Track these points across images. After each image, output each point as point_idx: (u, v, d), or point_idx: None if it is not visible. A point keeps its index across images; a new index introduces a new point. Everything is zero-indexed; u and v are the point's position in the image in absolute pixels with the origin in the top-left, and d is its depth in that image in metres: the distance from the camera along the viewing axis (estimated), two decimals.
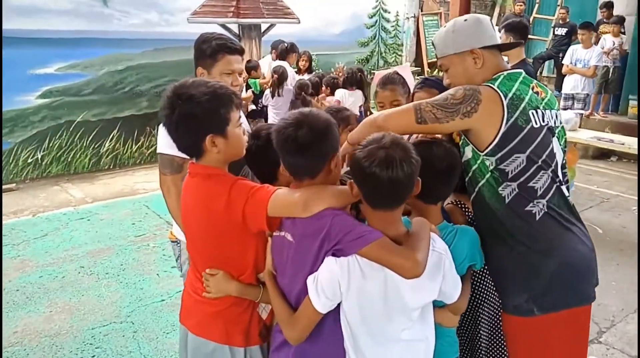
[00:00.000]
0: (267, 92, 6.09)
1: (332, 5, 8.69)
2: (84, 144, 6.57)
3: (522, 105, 1.67)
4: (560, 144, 1.79)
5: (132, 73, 6.86)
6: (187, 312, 1.80)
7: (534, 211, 1.67)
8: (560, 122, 1.82)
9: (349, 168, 1.54)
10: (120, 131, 6.81)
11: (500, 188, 1.68)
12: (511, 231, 1.70)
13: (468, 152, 1.73)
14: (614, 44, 7.80)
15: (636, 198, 5.67)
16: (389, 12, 9.78)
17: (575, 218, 1.76)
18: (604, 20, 8.45)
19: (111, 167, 6.84)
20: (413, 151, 1.41)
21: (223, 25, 7.39)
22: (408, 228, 1.52)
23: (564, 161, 1.82)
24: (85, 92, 6.54)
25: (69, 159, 6.51)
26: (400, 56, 10.12)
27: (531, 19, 10.01)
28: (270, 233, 1.64)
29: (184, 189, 1.72)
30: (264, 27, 7.83)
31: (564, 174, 1.78)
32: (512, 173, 1.66)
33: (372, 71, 9.10)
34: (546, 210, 1.68)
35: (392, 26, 9.92)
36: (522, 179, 1.66)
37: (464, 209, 1.96)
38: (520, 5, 9.81)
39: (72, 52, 6.39)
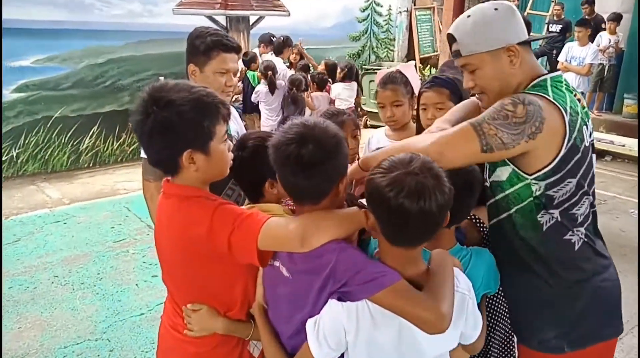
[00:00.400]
0: (258, 88, 5.82)
1: None
2: (62, 141, 6.25)
3: (579, 121, 1.43)
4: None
5: (113, 66, 6.54)
6: (166, 352, 1.56)
7: (573, 241, 1.46)
8: (591, 135, 1.60)
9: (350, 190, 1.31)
10: (100, 127, 6.49)
11: (539, 215, 1.45)
12: (545, 261, 1.48)
13: (502, 173, 1.47)
14: (610, 42, 7.66)
15: (633, 199, 5.53)
16: (382, 6, 9.55)
17: (605, 251, 1.56)
18: (585, 17, 8.30)
19: (91, 165, 6.52)
20: (445, 177, 1.18)
21: (210, 17, 7.08)
22: (425, 260, 1.29)
23: None
24: (64, 86, 6.22)
25: (46, 157, 6.19)
26: (392, 50, 9.90)
27: (525, 15, 9.83)
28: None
29: (158, 210, 1.48)
30: (252, 19, 7.53)
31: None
32: (558, 199, 1.43)
33: (363, 66, 8.87)
34: (585, 239, 1.48)
35: (385, 20, 9.68)
36: (566, 206, 1.44)
37: (479, 225, 1.74)
38: (514, 1, 9.60)
39: (50, 44, 6.06)
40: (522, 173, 1.43)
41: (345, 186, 1.32)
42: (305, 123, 1.27)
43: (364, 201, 1.30)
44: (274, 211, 1.57)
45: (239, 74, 2.11)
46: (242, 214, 1.30)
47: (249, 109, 6.08)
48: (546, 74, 1.49)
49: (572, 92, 1.48)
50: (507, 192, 1.48)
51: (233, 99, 5.90)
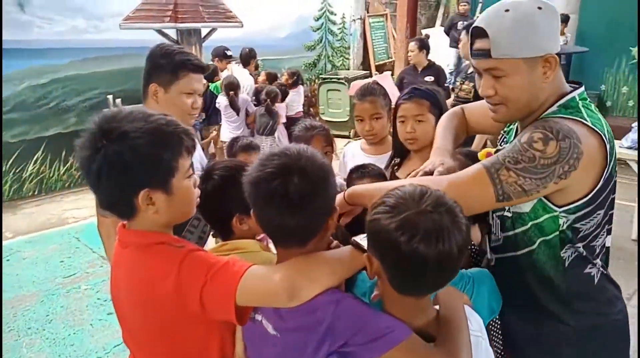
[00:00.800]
0: (219, 100, 5.60)
1: (276, 8, 8.25)
2: (4, 169, 5.77)
3: (615, 147, 1.26)
4: None
5: (57, 86, 6.09)
6: None
7: (592, 274, 1.31)
8: None
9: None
10: (45, 151, 6.02)
11: (562, 251, 1.28)
12: (567, 301, 1.32)
13: (525, 204, 1.27)
14: (560, 43, 7.81)
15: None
16: (335, 14, 9.45)
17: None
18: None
19: (36, 193, 6.04)
20: (460, 209, 0.99)
21: (160, 31, 6.76)
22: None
23: None
24: (4, 109, 5.76)
25: None
26: (347, 59, 9.81)
27: (475, 19, 9.96)
28: None
29: (114, 262, 1.24)
30: (204, 31, 7.25)
31: None
32: (584, 232, 1.26)
33: (320, 76, 8.73)
34: (602, 270, 1.32)
35: (339, 29, 9.59)
36: (590, 238, 1.28)
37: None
38: (465, 6, 9.71)
39: None
40: (550, 205, 1.25)
41: (335, 221, 1.13)
42: (286, 152, 1.07)
43: (359, 239, 1.10)
44: (249, 248, 1.38)
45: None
46: (216, 263, 1.08)
47: (212, 121, 5.88)
48: (571, 91, 1.30)
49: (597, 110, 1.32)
50: (529, 224, 1.29)
51: None
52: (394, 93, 2.20)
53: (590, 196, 1.21)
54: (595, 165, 1.20)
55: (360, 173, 1.84)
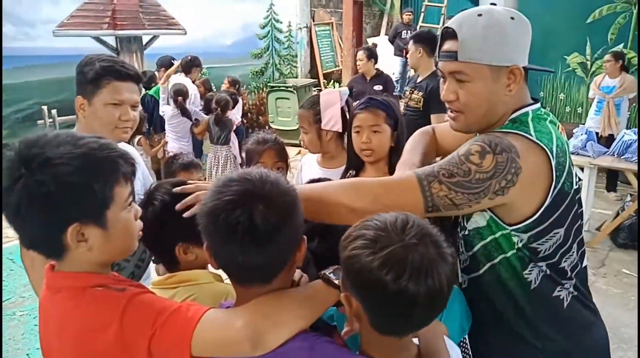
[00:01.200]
0: (164, 109, 5.36)
1: (221, 16, 8.08)
2: None
3: (567, 161, 1.20)
4: None
5: None
6: None
7: (561, 297, 1.26)
8: None
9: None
10: None
11: (525, 271, 1.23)
12: (533, 324, 1.26)
13: (479, 218, 1.24)
14: None
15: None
16: (281, 22, 9.38)
17: (588, 289, 1.37)
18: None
19: None
20: (443, 238, 0.92)
21: (97, 38, 6.47)
22: None
23: None
24: None
25: None
26: (295, 67, 9.76)
27: (417, 28, 10.15)
28: None
29: (41, 309, 1.08)
30: (145, 39, 7.01)
31: None
32: (545, 252, 1.21)
33: (268, 84, 8.62)
34: (574, 292, 1.27)
35: (286, 37, 9.52)
36: (555, 258, 1.22)
37: None
38: (409, 15, 9.89)
39: None
40: (500, 222, 1.20)
41: (303, 253, 1.02)
42: (247, 177, 0.95)
43: (330, 272, 1.01)
44: (200, 279, 1.26)
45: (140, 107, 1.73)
46: (166, 309, 0.94)
47: (158, 129, 5.64)
48: (529, 105, 1.26)
49: (556, 124, 1.27)
50: (489, 239, 1.25)
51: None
52: (333, 115, 2.10)
53: (539, 214, 1.16)
54: (539, 181, 1.15)
55: None
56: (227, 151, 5.32)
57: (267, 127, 8.22)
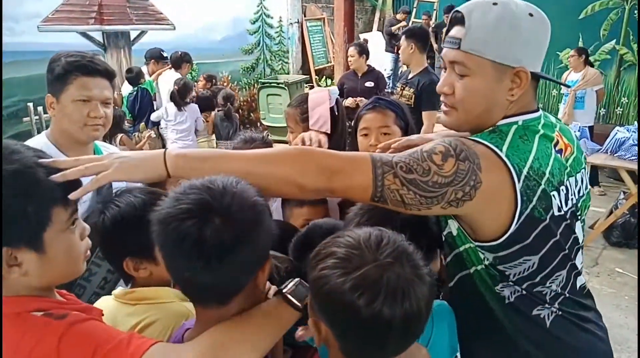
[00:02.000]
0: (168, 108, 5.20)
1: (210, 11, 7.96)
2: None
3: (541, 186, 1.07)
4: (583, 222, 1.27)
5: None
6: None
7: (542, 315, 1.17)
8: (587, 187, 1.26)
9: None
10: None
11: (498, 287, 1.15)
12: (513, 336, 1.18)
13: (452, 225, 1.16)
14: None
15: None
16: (272, 18, 9.26)
17: (590, 306, 1.26)
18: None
19: None
20: (420, 256, 0.84)
21: (84, 34, 6.33)
22: None
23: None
24: None
25: None
26: (286, 63, 9.66)
27: (410, 24, 10.10)
28: None
29: None
30: (133, 34, 6.88)
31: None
32: (515, 276, 1.12)
33: (259, 80, 8.52)
34: (559, 313, 1.18)
35: (277, 32, 9.40)
36: (529, 283, 1.14)
37: None
38: (404, 15, 9.86)
39: None
40: (465, 234, 1.12)
41: (267, 275, 0.93)
42: (209, 186, 0.86)
43: (290, 289, 0.94)
44: (162, 298, 1.16)
45: (112, 103, 1.67)
46: (108, 341, 0.85)
47: (151, 124, 5.48)
48: (524, 113, 1.15)
49: (550, 140, 1.14)
50: (459, 250, 1.17)
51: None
52: (322, 115, 2.01)
53: (503, 239, 1.06)
54: (500, 203, 1.04)
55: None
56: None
57: (258, 124, 8.13)
